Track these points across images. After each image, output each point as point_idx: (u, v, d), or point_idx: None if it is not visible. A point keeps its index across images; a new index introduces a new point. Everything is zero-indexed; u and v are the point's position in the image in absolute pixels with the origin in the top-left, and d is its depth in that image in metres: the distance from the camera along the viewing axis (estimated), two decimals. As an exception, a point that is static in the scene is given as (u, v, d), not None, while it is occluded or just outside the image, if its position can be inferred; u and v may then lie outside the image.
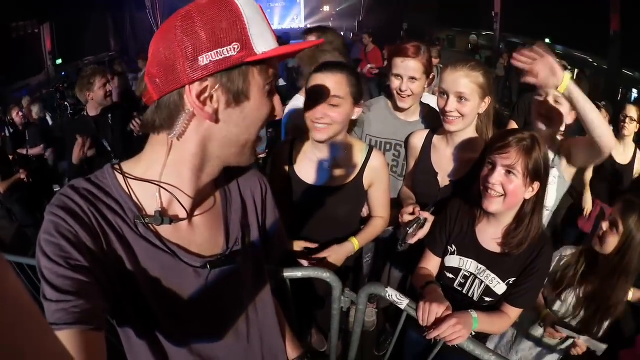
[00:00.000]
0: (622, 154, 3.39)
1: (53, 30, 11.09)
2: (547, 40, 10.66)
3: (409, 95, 2.06)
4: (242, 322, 1.03)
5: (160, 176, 0.85)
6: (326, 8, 20.96)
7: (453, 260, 1.71)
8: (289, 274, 1.63)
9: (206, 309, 0.94)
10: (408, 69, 2.02)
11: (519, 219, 1.57)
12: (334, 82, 1.64)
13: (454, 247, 1.71)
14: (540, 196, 1.54)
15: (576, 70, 7.73)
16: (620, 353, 1.96)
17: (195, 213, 0.93)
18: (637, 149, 3.39)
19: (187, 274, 0.89)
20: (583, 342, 1.85)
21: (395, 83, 2.07)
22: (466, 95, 1.75)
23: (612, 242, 1.87)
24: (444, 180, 1.95)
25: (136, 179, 0.85)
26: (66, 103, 7.64)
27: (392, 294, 1.54)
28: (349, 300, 1.69)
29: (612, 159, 3.36)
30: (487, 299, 1.67)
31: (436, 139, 2.00)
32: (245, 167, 1.02)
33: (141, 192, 0.85)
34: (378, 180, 1.88)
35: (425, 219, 1.78)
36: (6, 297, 0.32)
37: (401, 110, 2.17)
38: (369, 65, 8.04)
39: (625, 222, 1.84)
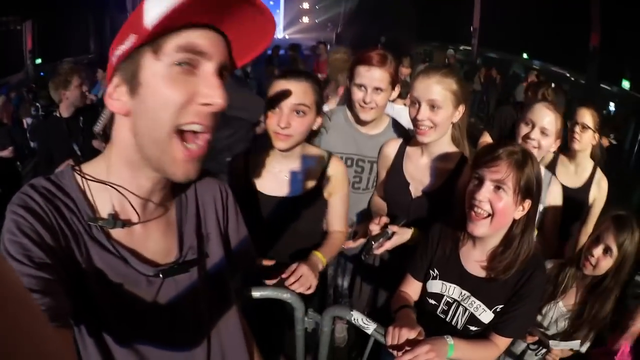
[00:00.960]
0: (572, 175, 2.54)
1: (35, 28, 10.92)
2: (525, 55, 10.88)
3: (372, 108, 1.93)
4: (201, 340, 0.98)
5: (108, 176, 0.83)
6: (305, 19, 21.10)
7: (435, 286, 1.59)
8: (247, 293, 1.54)
9: (160, 321, 0.89)
10: (373, 79, 1.88)
11: (507, 241, 1.44)
12: (301, 90, 1.55)
13: (436, 271, 1.59)
14: (531, 216, 1.42)
15: (552, 85, 7.81)
16: (592, 352, 1.83)
17: (149, 219, 0.90)
18: (596, 169, 2.53)
19: (139, 282, 0.86)
20: (556, 349, 1.79)
21: (357, 94, 1.93)
22: (438, 102, 1.65)
23: (605, 266, 1.74)
24: (416, 191, 1.86)
25: (91, 179, 0.84)
26: (37, 104, 7.39)
27: (358, 318, 1.46)
28: (312, 321, 1.59)
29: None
30: (473, 328, 1.53)
31: (410, 148, 1.91)
32: (204, 175, 1.02)
33: (97, 193, 0.84)
34: (337, 188, 1.78)
35: (393, 232, 1.68)
36: (8, 298, 0.32)
37: (363, 123, 2.04)
38: (319, 75, 7.87)
39: (621, 244, 1.70)
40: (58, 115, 3.20)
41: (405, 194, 1.87)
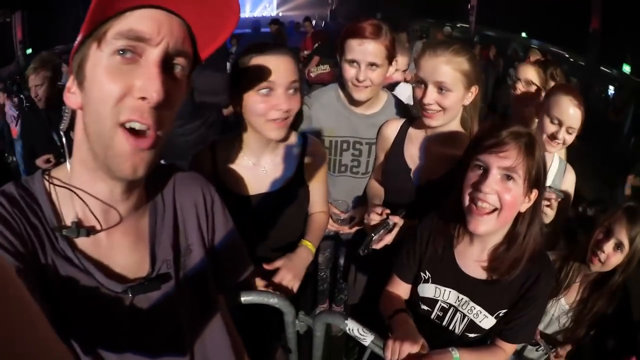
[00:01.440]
0: None
1: (24, 19, 10.99)
2: (523, 35, 10.70)
3: (366, 86, 1.74)
4: (182, 353, 0.91)
5: (70, 180, 0.79)
6: (298, -6, 20.59)
7: (428, 290, 1.43)
8: (234, 299, 1.41)
9: (133, 335, 0.83)
10: (367, 53, 1.67)
11: (511, 238, 1.27)
12: (291, 67, 1.36)
13: (427, 273, 1.43)
14: (537, 207, 1.26)
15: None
16: None
17: (113, 226, 0.83)
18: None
19: (107, 299, 0.80)
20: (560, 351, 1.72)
21: (350, 72, 1.73)
22: (448, 85, 1.50)
23: (615, 262, 1.62)
24: (419, 178, 1.71)
25: (57, 184, 0.80)
26: (22, 95, 7.19)
27: (354, 328, 1.33)
28: (304, 324, 1.47)
29: None
30: (472, 335, 1.40)
31: (412, 130, 1.75)
32: (186, 174, 0.96)
33: (63, 199, 0.79)
34: (317, 171, 1.63)
35: (395, 224, 1.53)
36: (11, 302, 0.32)
37: (357, 102, 1.85)
38: (305, 52, 7.68)
39: (633, 238, 1.58)
40: (37, 106, 3.13)
41: (405, 181, 1.72)
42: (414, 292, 1.48)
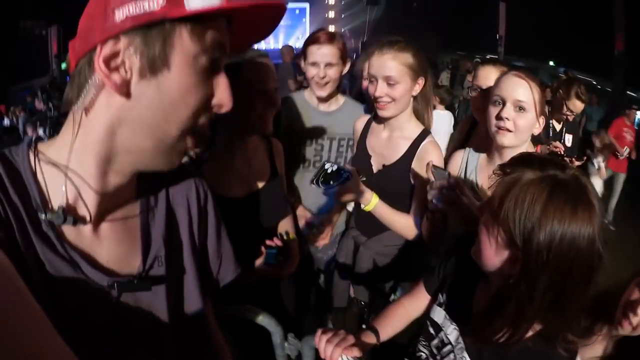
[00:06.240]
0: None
1: (60, 33, 11.10)
2: (551, 63, 10.97)
3: (327, 82, 2.05)
4: None
5: (68, 162, 0.69)
6: (331, 28, 21.33)
7: (439, 314, 1.26)
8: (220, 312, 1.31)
9: (114, 339, 0.76)
10: (325, 55, 2.00)
11: (498, 298, 1.01)
12: (270, 69, 1.50)
13: (444, 296, 1.26)
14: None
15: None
16: None
17: (106, 219, 0.76)
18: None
19: (91, 292, 0.72)
20: None
21: (312, 71, 2.04)
22: (395, 78, 1.66)
23: None
24: (377, 164, 1.90)
25: (46, 160, 0.69)
26: (50, 104, 7.35)
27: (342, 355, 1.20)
28: (294, 348, 1.40)
29: None
30: None
31: (374, 123, 1.96)
32: (179, 168, 0.80)
33: (51, 179, 0.69)
34: (282, 164, 1.79)
35: (349, 176, 1.59)
36: (14, 304, 0.31)
37: (320, 100, 2.15)
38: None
39: None
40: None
41: (367, 167, 1.91)
42: (429, 307, 1.33)
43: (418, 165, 1.74)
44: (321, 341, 1.16)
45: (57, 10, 10.23)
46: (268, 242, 1.51)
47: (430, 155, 1.70)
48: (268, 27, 0.76)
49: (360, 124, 2.02)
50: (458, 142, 2.53)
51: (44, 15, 10.61)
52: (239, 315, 1.38)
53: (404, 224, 1.77)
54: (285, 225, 1.74)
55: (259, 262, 1.49)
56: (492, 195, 1.00)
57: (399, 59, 1.66)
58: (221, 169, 1.52)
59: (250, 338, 1.40)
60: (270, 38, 20.70)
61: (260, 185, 1.62)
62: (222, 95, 0.71)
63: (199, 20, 0.64)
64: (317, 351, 1.22)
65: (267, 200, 1.63)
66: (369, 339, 1.30)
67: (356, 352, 1.12)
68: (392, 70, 1.66)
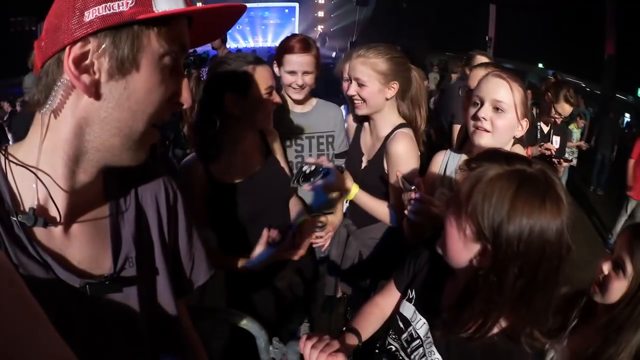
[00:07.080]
0: None
1: None
2: (540, 65, 10.96)
3: (303, 88, 2.10)
4: None
5: (37, 164, 0.69)
6: (320, 27, 21.29)
7: (408, 309, 1.25)
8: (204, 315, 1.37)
9: (87, 341, 0.74)
10: (301, 64, 2.05)
11: (467, 291, 1.02)
12: (269, 72, 1.63)
13: (413, 292, 1.26)
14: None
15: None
16: None
17: (76, 220, 0.76)
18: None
19: (63, 294, 0.72)
20: None
21: (289, 79, 2.09)
22: (362, 80, 1.78)
23: (617, 289, 1.32)
24: (365, 161, 2.01)
25: (16, 162, 0.69)
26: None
27: None
28: (279, 351, 1.42)
29: None
30: None
31: (365, 123, 2.06)
32: (147, 167, 0.83)
33: (22, 181, 0.70)
34: (279, 150, 1.92)
35: (328, 172, 1.64)
36: (15, 306, 0.32)
37: (296, 102, 2.22)
38: None
39: (636, 260, 1.28)
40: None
41: (357, 163, 2.03)
42: (399, 303, 1.33)
43: (387, 160, 1.83)
44: (306, 347, 1.13)
45: (47, 6, 10.27)
46: (270, 237, 1.58)
47: (394, 145, 1.78)
48: (227, 25, 0.80)
49: (354, 122, 2.15)
50: (455, 145, 2.55)
51: (34, 11, 10.63)
52: (224, 319, 1.39)
53: (382, 212, 1.84)
54: (295, 207, 1.91)
55: (259, 248, 1.55)
56: (458, 189, 1.00)
57: (369, 64, 1.77)
58: (227, 161, 1.65)
59: (235, 342, 1.42)
60: (259, 36, 20.71)
61: (259, 167, 1.75)
62: (185, 95, 0.73)
63: (165, 22, 0.66)
64: (302, 356, 1.21)
65: (268, 176, 1.75)
66: (351, 340, 1.30)
67: (341, 358, 1.11)
68: (361, 73, 1.78)
